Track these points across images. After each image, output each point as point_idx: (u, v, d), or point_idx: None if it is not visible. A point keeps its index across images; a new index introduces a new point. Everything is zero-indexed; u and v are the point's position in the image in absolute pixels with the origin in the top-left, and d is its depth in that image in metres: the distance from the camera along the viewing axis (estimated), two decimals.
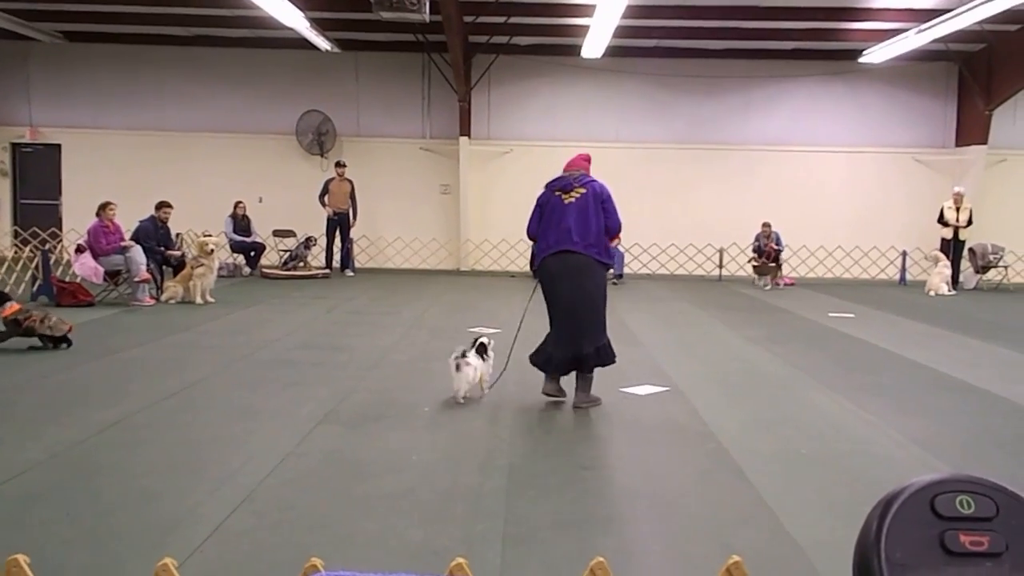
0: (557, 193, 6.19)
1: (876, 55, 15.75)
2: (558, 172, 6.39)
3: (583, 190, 6.14)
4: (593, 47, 15.05)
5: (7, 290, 8.44)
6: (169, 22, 15.92)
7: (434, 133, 17.68)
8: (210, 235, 12.80)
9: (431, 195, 17.73)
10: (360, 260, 17.10)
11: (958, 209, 15.61)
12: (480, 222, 17.40)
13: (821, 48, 16.67)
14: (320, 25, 14.91)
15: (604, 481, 4.52)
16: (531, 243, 6.45)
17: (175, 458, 4.75)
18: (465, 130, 17.10)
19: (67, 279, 11.49)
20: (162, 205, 12.32)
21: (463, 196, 17.22)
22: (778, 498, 4.28)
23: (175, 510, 3.92)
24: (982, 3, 11.91)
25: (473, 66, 17.00)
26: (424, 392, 6.45)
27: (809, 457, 5.05)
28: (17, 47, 17.14)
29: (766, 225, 15.78)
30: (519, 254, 16.71)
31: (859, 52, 16.11)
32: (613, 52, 15.89)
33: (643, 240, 16.69)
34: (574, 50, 16.00)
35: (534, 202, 6.33)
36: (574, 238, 6.05)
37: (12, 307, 7.69)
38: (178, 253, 12.60)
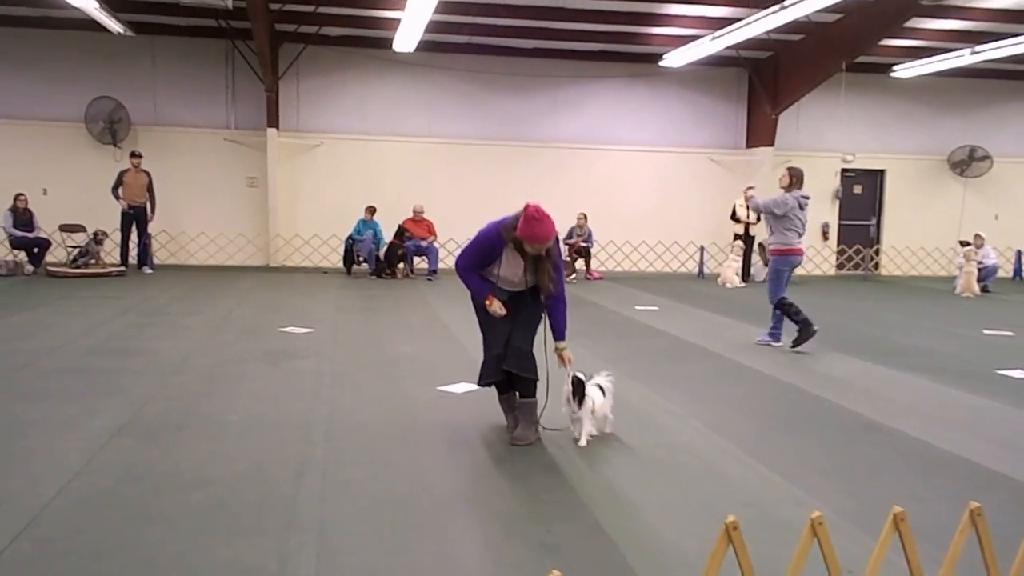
0: None
1: (674, 59, 16.60)
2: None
3: None
4: (405, 41, 14.90)
5: None
6: None
7: (239, 124, 16.91)
8: None
9: (237, 188, 16.96)
10: (160, 256, 16.14)
11: (748, 206, 16.74)
12: (290, 216, 16.82)
13: (624, 51, 17.39)
14: (111, 6, 13.84)
15: (420, 485, 4.47)
16: None
17: None
18: (273, 121, 16.49)
19: None
20: None
21: (271, 189, 16.60)
22: (591, 492, 4.41)
23: None
24: (769, 14, 12.79)
25: (281, 56, 16.42)
26: (231, 399, 6.15)
27: (619, 449, 5.23)
28: None
29: (581, 216, 16.49)
30: (331, 249, 16.36)
31: (659, 56, 16.91)
32: (425, 47, 15.82)
33: (457, 236, 16.74)
34: (386, 43, 15.79)
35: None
36: None
37: None
38: None
